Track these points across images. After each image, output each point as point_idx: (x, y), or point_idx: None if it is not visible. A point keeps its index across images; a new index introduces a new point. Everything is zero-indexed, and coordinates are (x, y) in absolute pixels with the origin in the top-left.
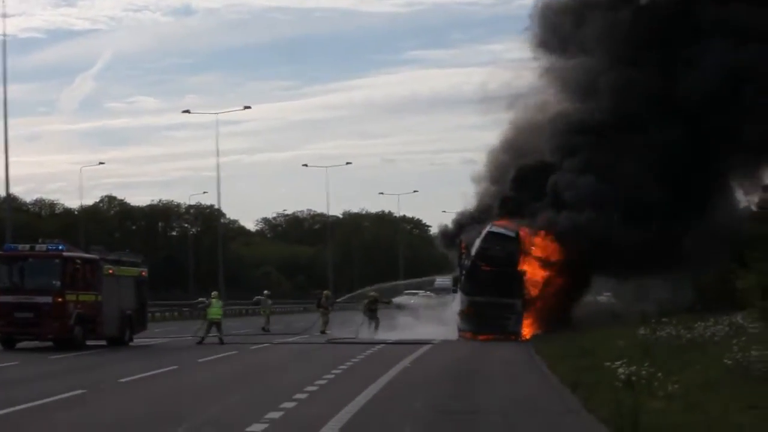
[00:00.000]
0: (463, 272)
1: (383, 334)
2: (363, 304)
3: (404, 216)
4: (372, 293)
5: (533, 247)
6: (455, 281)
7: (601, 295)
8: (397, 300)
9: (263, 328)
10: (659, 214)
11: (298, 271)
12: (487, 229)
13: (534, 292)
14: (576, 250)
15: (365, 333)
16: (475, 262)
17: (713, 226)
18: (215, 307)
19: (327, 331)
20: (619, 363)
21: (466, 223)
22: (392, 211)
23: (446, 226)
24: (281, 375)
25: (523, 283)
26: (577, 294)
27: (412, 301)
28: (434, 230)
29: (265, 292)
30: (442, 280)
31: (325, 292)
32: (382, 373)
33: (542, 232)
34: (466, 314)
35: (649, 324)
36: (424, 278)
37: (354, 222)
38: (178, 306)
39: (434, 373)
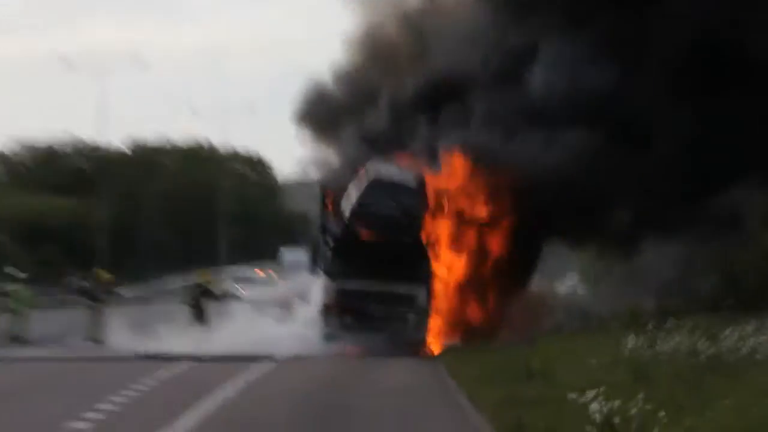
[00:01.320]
0: (330, 242)
1: (194, 343)
2: (187, 292)
3: (234, 151)
4: (205, 278)
5: (447, 201)
6: (315, 256)
7: (564, 281)
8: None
9: (13, 337)
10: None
11: (48, 237)
12: (371, 172)
13: (448, 275)
14: (527, 194)
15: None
16: (350, 227)
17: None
18: None
19: (101, 339)
20: (592, 394)
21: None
22: (212, 142)
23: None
24: None
25: (429, 261)
26: (523, 276)
27: (245, 293)
28: (285, 174)
29: (12, 270)
30: (295, 256)
31: (100, 272)
32: (178, 416)
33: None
34: (332, 311)
35: (642, 329)
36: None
37: (147, 159)
38: None
39: (272, 417)
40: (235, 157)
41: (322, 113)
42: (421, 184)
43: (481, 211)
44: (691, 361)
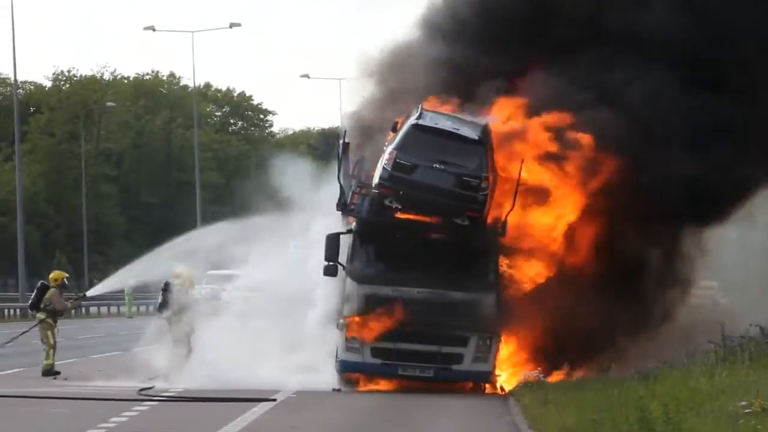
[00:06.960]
0: (353, 225)
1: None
2: (166, 294)
3: (209, 86)
4: (181, 271)
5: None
6: (330, 249)
7: (701, 287)
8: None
9: None
10: None
11: None
12: (411, 121)
13: (527, 275)
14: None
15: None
16: (383, 205)
17: None
18: None
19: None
20: None
21: None
22: (181, 75)
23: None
24: None
25: (497, 255)
26: (640, 278)
27: (226, 295)
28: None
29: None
30: (302, 245)
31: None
32: None
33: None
34: (357, 329)
35: None
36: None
37: (81, 100)
38: None
39: None
40: (212, 98)
41: None
42: (487, 137)
43: (583, 177)
44: None
